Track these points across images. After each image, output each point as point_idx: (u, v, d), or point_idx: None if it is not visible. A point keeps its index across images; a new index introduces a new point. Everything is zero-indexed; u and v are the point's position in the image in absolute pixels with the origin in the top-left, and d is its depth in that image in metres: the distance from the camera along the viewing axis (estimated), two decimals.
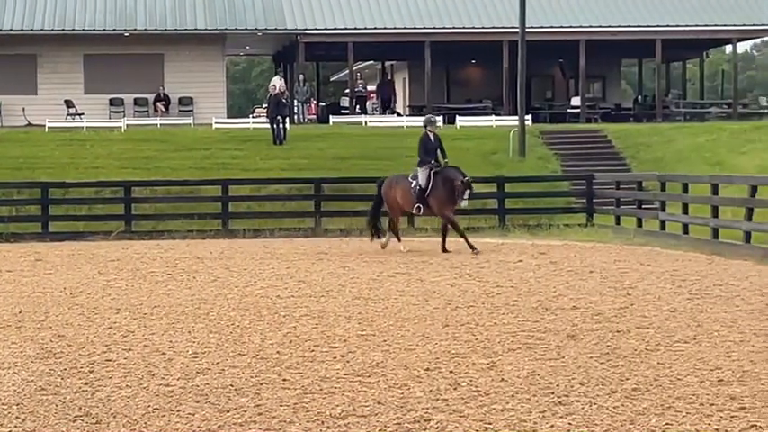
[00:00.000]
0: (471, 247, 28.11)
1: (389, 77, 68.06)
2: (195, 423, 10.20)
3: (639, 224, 34.23)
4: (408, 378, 12.59)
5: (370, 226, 30.25)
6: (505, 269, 25.02)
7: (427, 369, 13.12)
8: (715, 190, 30.27)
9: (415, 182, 28.89)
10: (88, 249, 30.74)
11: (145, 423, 10.23)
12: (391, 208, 29.63)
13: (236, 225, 37.23)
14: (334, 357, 14.05)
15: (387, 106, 61.73)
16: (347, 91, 62.64)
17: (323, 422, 10.54)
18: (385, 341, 15.20)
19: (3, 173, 41.92)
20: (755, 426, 10.13)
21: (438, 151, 29.33)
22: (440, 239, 29.33)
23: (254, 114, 61.88)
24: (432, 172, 28.66)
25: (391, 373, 12.94)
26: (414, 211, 29.44)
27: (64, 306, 18.94)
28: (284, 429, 10.27)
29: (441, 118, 40.49)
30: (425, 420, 10.52)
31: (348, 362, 13.69)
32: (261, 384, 12.09)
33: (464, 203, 28.75)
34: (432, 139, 29.21)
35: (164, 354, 14.07)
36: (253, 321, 17.05)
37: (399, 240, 29.58)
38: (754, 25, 61.20)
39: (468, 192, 28.29)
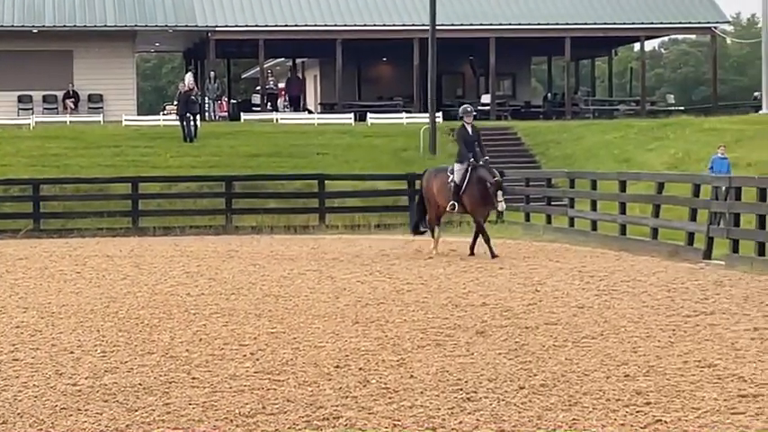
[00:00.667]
0: (492, 253, 26.15)
1: (298, 75, 68.06)
2: (103, 422, 10.11)
3: (549, 221, 34.52)
4: (318, 375, 12.61)
5: (414, 222, 29.04)
6: (415, 266, 25.18)
7: (337, 366, 13.15)
8: (623, 187, 30.61)
9: (452, 176, 27.08)
10: None
11: (52, 423, 10.14)
12: (428, 201, 28.04)
13: (147, 223, 37.13)
14: (244, 355, 14.05)
15: (296, 104, 61.66)
16: (258, 88, 62.46)
17: (232, 420, 10.52)
18: (295, 339, 15.21)
19: None
20: (661, 420, 10.26)
21: (476, 145, 27.37)
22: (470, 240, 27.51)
23: (165, 112, 61.54)
24: (469, 169, 26.76)
25: (301, 370, 12.93)
26: (448, 209, 27.20)
27: None
28: (193, 428, 10.24)
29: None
30: (334, 418, 10.54)
31: (258, 360, 13.69)
32: (170, 383, 12.04)
33: (501, 206, 26.88)
34: (470, 131, 27.43)
35: (72, 353, 13.97)
36: (162, 320, 17.00)
37: (434, 238, 27.84)
38: (661, 24, 61.88)
39: (500, 193, 26.44)
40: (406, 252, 28.47)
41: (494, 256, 25.96)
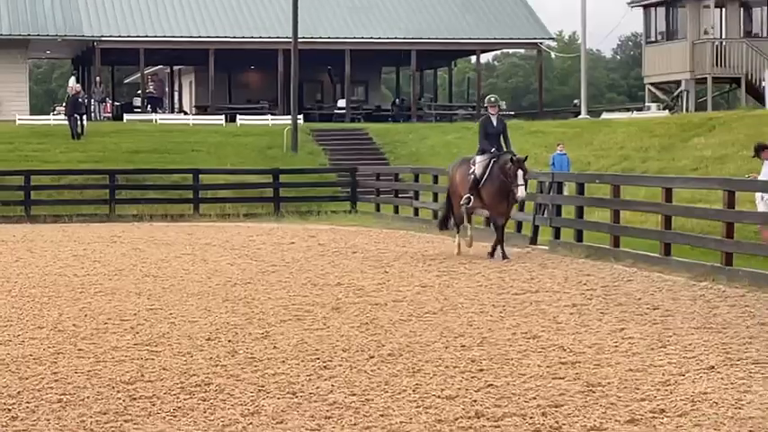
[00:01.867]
0: (504, 255, 22.24)
1: (160, 79, 68.20)
2: None
3: (396, 211, 34.61)
4: (191, 347, 12.57)
5: (441, 216, 24.98)
6: (279, 250, 25.08)
7: (208, 339, 13.14)
8: None
9: (473, 168, 22.74)
10: None
11: None
12: (452, 192, 23.76)
13: (38, 211, 36.43)
14: (125, 329, 13.96)
15: (158, 105, 61.47)
16: (139, 92, 62.07)
17: (113, 387, 10.43)
18: (171, 314, 15.16)
19: None
20: (492, 385, 10.41)
21: (501, 138, 22.81)
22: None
23: (55, 112, 60.53)
24: (492, 161, 22.23)
25: (176, 342, 12.89)
26: (462, 202, 22.60)
27: None
28: (78, 394, 10.12)
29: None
30: (206, 384, 10.51)
31: (137, 333, 13.62)
32: (58, 354, 11.92)
33: (520, 192, 21.78)
34: (494, 122, 22.73)
35: None
36: (51, 298, 16.81)
37: (458, 233, 23.52)
38: (495, 39, 62.45)
39: (520, 173, 21.61)
40: (270, 238, 28.34)
41: (504, 256, 22.11)
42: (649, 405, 9.65)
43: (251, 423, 9.11)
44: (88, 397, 10.05)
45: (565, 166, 35.34)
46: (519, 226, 26.79)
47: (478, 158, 22.41)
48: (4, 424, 8.87)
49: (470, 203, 22.36)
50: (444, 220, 24.34)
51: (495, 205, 22.35)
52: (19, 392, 9.95)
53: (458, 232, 23.42)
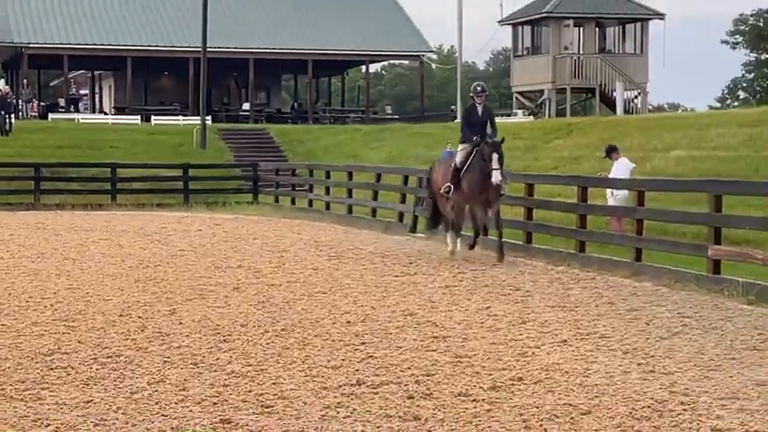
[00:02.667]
0: (500, 251, 18.86)
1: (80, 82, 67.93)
2: None
3: (293, 202, 34.56)
4: (105, 323, 12.41)
5: (429, 214, 21.10)
6: (188, 236, 24.81)
7: (120, 315, 12.96)
8: (350, 176, 30.88)
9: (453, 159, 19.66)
10: None
11: None
12: (435, 191, 20.21)
13: None
14: (45, 306, 13.73)
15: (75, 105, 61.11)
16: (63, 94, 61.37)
17: (33, 358, 10.28)
18: (87, 293, 14.92)
19: None
20: (372, 356, 10.46)
21: (488, 127, 19.26)
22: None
23: None
24: (474, 151, 18.78)
25: (91, 318, 12.71)
26: (442, 191, 19.19)
27: None
28: (1, 365, 10.00)
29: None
30: (117, 356, 10.41)
31: (56, 310, 13.41)
32: None
33: (495, 177, 18.26)
34: (479, 111, 19.09)
35: None
36: None
37: (447, 233, 19.89)
38: (382, 51, 62.75)
39: (495, 156, 18.22)
40: (180, 226, 28.03)
41: (501, 253, 18.88)
42: (509, 374, 9.74)
43: (156, 390, 9.01)
44: (9, 367, 9.89)
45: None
46: (401, 216, 26.84)
47: (460, 147, 19.30)
48: None
49: (450, 193, 18.91)
50: (434, 220, 20.74)
51: (477, 195, 18.76)
52: None
53: (446, 228, 19.96)
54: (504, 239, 19.14)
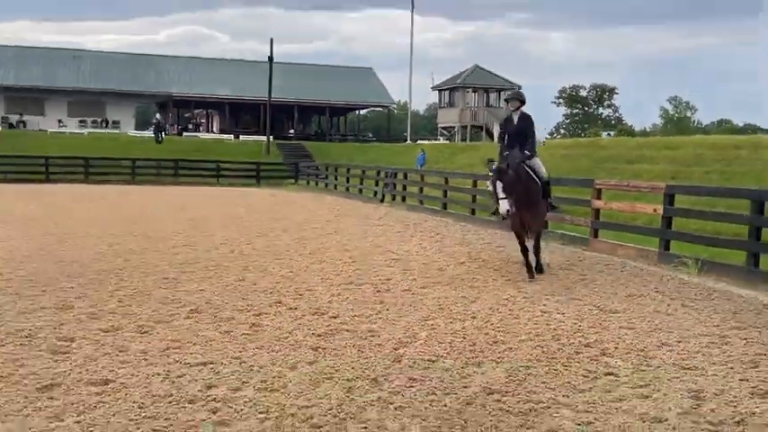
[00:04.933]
0: (537, 266, 11.43)
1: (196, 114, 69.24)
2: None
3: (316, 184, 36.49)
4: (212, 247, 13.07)
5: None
6: (258, 199, 26.36)
7: (221, 243, 13.60)
8: (348, 170, 31.95)
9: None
10: None
11: None
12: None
13: (140, 178, 38.28)
14: (178, 233, 14.97)
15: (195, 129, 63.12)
16: (193, 121, 65.25)
17: (171, 264, 11.02)
18: (203, 232, 15.53)
19: None
20: (357, 269, 11.05)
21: (520, 137, 11.46)
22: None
23: (149, 129, 60.42)
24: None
25: (204, 245, 13.38)
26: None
27: None
28: (158, 266, 10.84)
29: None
30: (217, 266, 10.94)
31: (186, 237, 14.49)
32: None
33: (501, 208, 10.78)
34: (514, 120, 11.55)
35: None
36: None
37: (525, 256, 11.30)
38: (367, 102, 65.73)
39: (500, 185, 10.82)
40: (255, 196, 29.41)
41: (534, 271, 11.21)
42: (437, 278, 10.27)
43: (240, 285, 9.50)
44: (165, 269, 10.64)
45: (421, 161, 38.09)
46: (374, 193, 27.73)
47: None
48: None
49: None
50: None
51: (512, 221, 11.26)
52: None
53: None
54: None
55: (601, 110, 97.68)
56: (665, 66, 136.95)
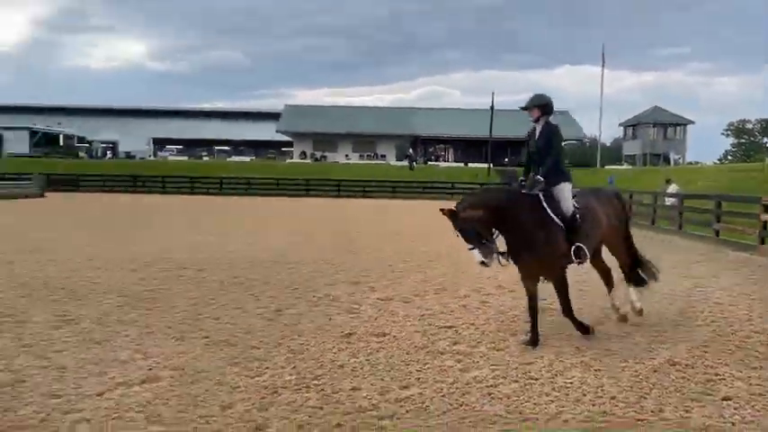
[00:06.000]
0: (580, 325, 6.99)
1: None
2: None
3: None
4: (329, 239, 15.08)
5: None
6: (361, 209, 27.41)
7: (332, 235, 15.77)
8: None
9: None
10: None
11: None
12: None
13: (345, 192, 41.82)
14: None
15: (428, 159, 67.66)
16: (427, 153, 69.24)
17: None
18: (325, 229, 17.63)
19: None
20: (380, 249, 13.27)
21: (540, 154, 6.98)
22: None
23: (404, 160, 64.17)
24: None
25: (319, 241, 14.89)
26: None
27: None
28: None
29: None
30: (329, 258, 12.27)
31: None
32: None
33: (477, 257, 6.32)
34: (536, 134, 7.10)
35: None
36: None
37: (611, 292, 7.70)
38: (567, 136, 63.02)
39: (474, 233, 6.38)
40: (354, 206, 30.46)
41: (583, 328, 7.03)
42: (430, 255, 11.44)
43: (330, 256, 10.57)
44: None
45: (611, 182, 36.90)
46: None
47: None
48: None
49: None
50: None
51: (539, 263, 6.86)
52: None
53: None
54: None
55: (765, 139, 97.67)
56: None
